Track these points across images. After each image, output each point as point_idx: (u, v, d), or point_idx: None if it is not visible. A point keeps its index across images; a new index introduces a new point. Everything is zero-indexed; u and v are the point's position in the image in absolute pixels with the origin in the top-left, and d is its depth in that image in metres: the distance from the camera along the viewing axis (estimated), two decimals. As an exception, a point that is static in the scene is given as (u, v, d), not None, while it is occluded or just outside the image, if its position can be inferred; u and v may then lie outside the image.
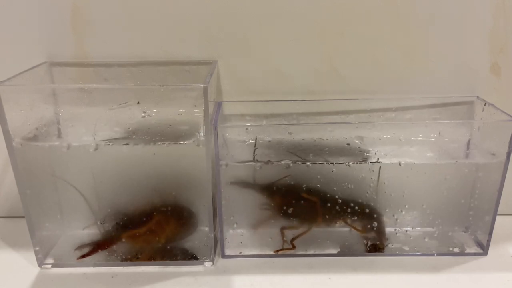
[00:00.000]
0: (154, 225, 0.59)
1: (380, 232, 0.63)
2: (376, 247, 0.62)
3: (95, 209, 0.60)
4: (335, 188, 0.60)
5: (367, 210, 0.61)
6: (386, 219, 0.63)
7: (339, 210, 0.60)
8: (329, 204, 0.60)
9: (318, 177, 0.59)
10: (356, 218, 0.61)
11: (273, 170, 0.59)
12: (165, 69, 0.65)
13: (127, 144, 0.56)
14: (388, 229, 0.63)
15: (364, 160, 0.59)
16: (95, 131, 0.57)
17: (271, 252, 0.62)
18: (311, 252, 0.62)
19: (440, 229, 0.63)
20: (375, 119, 0.66)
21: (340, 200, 0.60)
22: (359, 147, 0.60)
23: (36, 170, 0.58)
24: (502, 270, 0.60)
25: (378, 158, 0.59)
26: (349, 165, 0.59)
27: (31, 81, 0.59)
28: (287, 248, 0.62)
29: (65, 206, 0.61)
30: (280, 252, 0.62)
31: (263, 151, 0.60)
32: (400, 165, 0.59)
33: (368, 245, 0.63)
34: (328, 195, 0.60)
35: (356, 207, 0.61)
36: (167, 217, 0.60)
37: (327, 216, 0.61)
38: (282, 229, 0.62)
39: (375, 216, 0.62)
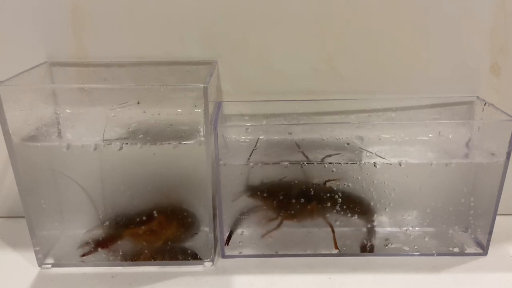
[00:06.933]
0: (156, 225, 0.60)
1: (370, 231, 0.63)
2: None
3: (97, 207, 0.60)
4: (334, 188, 0.60)
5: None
6: (386, 218, 0.63)
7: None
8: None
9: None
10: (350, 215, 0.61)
11: (271, 170, 0.59)
12: (165, 69, 0.65)
13: (127, 144, 0.56)
14: (388, 229, 0.64)
15: (363, 160, 0.59)
16: (95, 131, 0.57)
17: (271, 252, 0.62)
18: (311, 252, 0.62)
19: (440, 229, 0.63)
20: (375, 119, 0.66)
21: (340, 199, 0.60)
22: (359, 147, 0.60)
23: (36, 170, 0.58)
24: (502, 270, 0.60)
25: (376, 158, 0.59)
26: (346, 164, 0.59)
27: (31, 81, 0.59)
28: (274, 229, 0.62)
29: (65, 206, 0.61)
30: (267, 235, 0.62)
31: (265, 150, 0.60)
32: (400, 165, 0.59)
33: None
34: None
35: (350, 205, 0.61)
36: (169, 218, 0.60)
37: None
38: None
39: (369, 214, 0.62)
